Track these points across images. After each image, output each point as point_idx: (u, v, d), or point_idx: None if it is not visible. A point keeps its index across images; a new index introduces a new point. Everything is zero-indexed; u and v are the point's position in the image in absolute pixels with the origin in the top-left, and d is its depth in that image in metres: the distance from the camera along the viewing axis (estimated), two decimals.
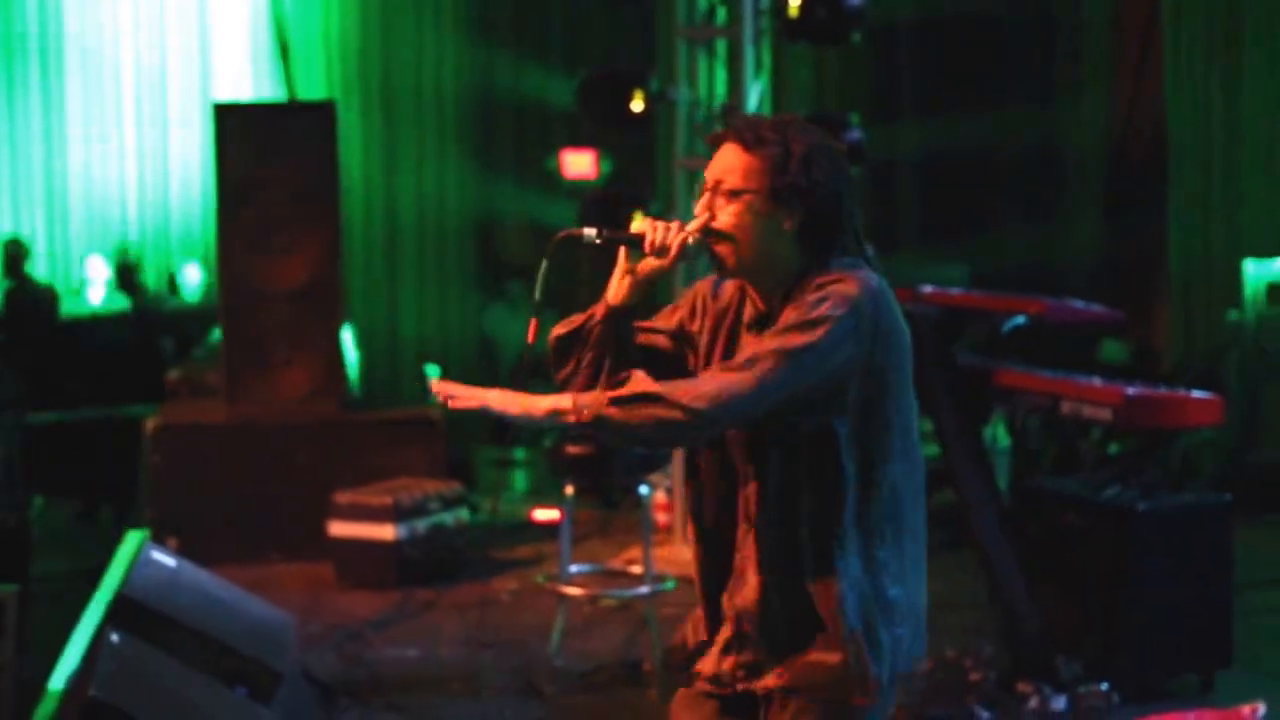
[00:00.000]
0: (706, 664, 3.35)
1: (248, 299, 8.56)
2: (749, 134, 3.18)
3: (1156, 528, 6.07)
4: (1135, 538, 6.04)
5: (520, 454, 10.01)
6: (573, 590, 6.89)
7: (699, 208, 3.24)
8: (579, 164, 8.90)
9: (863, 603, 3.20)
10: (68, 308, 10.65)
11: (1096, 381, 5.91)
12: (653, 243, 3.21)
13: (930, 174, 10.58)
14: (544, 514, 8.96)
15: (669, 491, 8.44)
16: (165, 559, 6.18)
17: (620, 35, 10.23)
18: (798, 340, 3.06)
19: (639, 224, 3.25)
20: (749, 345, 3.18)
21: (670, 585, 6.70)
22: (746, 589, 3.26)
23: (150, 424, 8.45)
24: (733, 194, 3.19)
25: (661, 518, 8.36)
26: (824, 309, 3.08)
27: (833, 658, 3.20)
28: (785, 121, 3.24)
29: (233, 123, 8.53)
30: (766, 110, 8.32)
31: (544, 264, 3.26)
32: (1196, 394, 5.94)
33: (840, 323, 3.08)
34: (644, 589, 6.65)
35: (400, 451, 8.55)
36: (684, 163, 8.44)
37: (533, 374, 3.71)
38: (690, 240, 3.19)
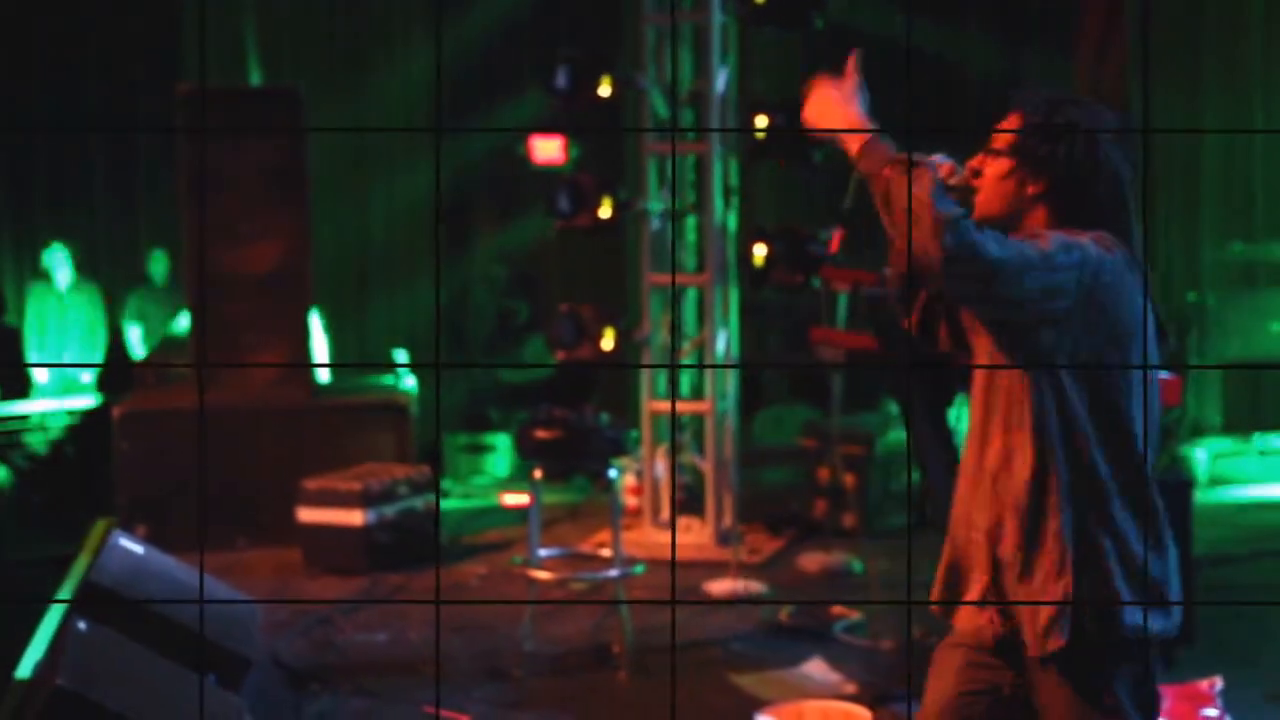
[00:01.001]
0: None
1: (217, 285, 8.55)
2: (1022, 99, 3.43)
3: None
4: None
5: (491, 440, 10.03)
6: (542, 574, 6.90)
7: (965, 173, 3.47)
8: (547, 149, 8.88)
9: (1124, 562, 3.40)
10: None
11: None
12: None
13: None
14: (513, 499, 8.98)
15: (639, 475, 8.46)
16: (132, 545, 6.17)
17: (588, 21, 10.20)
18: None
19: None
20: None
21: (639, 569, 6.72)
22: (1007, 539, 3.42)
23: (117, 411, 8.44)
24: (997, 152, 3.44)
25: (631, 501, 8.38)
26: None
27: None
28: (1061, 96, 3.46)
29: (198, 110, 8.52)
30: (733, 95, 8.32)
31: (853, 181, 3.48)
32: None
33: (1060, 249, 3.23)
34: (613, 572, 6.66)
35: (369, 437, 8.56)
36: (653, 148, 8.43)
37: None
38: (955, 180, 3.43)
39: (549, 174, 8.70)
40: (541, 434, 6.68)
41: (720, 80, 8.23)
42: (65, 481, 9.50)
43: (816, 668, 6.19)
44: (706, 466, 8.19)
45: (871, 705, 5.63)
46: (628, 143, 9.23)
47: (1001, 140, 3.44)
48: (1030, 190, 3.40)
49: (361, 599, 7.38)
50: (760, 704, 5.64)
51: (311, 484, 7.97)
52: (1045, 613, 3.32)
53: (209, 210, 8.53)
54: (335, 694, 6.12)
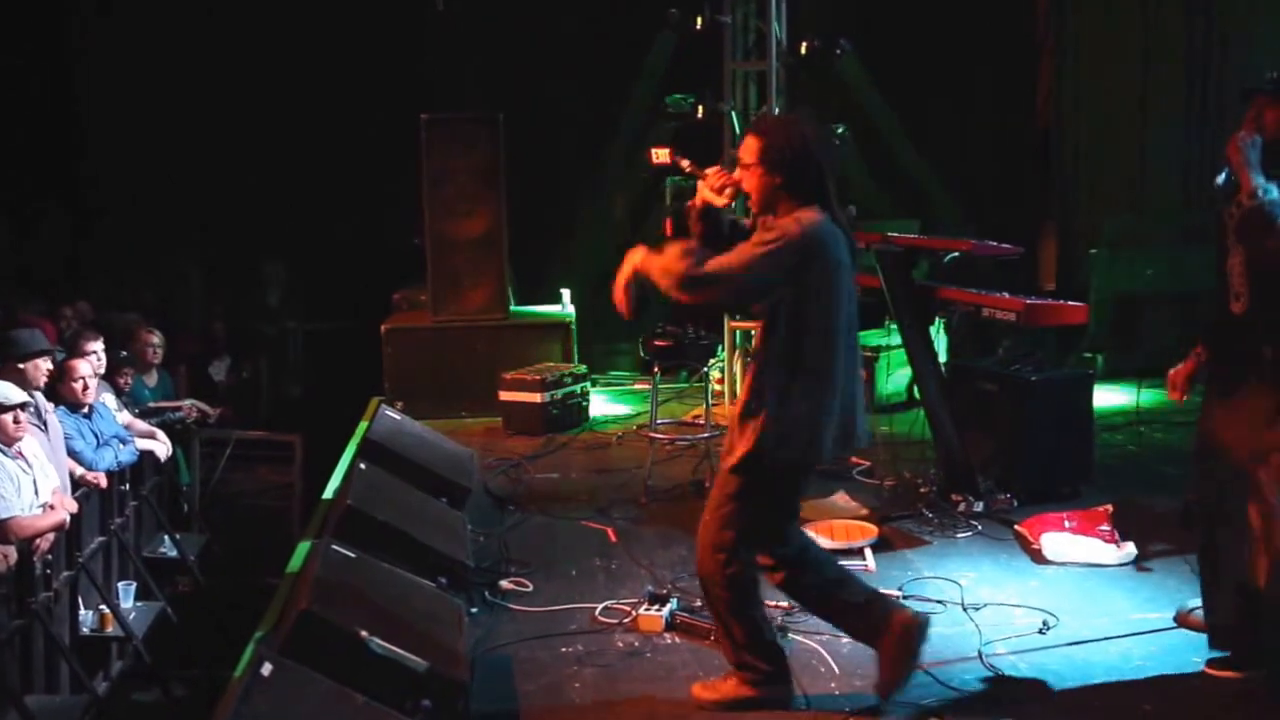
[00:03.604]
0: None
1: (445, 246, 8.58)
2: (753, 123, 3.73)
3: (1044, 392, 6.02)
4: (1030, 398, 6.00)
5: (625, 346, 9.96)
6: (658, 435, 6.92)
7: (736, 173, 3.70)
8: (660, 155, 8.81)
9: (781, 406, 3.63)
10: None
11: (1005, 294, 5.83)
12: (713, 185, 3.73)
13: (898, 162, 10.38)
14: (640, 385, 8.97)
15: (722, 370, 8.42)
16: (393, 415, 6.26)
17: (692, 69, 9.99)
18: (749, 252, 3.55)
19: (713, 169, 3.76)
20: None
21: (723, 431, 6.70)
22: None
23: (383, 327, 8.52)
24: (746, 165, 3.65)
25: (717, 388, 8.34)
26: (769, 237, 3.54)
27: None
28: (781, 118, 3.51)
29: (436, 128, 8.53)
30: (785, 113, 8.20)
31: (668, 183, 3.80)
32: (1071, 303, 5.84)
33: (773, 247, 3.53)
34: (705, 434, 6.67)
35: (544, 344, 8.59)
36: (732, 153, 8.32)
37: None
38: (729, 188, 3.70)
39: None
40: (659, 343, 6.68)
41: (775, 107, 8.09)
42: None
43: (841, 498, 6.16)
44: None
45: (878, 523, 5.63)
46: (718, 149, 9.08)
47: (747, 154, 3.63)
48: (777, 181, 3.59)
49: (540, 451, 7.44)
50: (803, 521, 5.63)
51: (507, 375, 8.01)
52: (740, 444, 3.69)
53: (440, 195, 8.54)
54: (524, 512, 6.19)
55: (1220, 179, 3.86)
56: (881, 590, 4.84)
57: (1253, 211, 3.57)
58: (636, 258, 3.65)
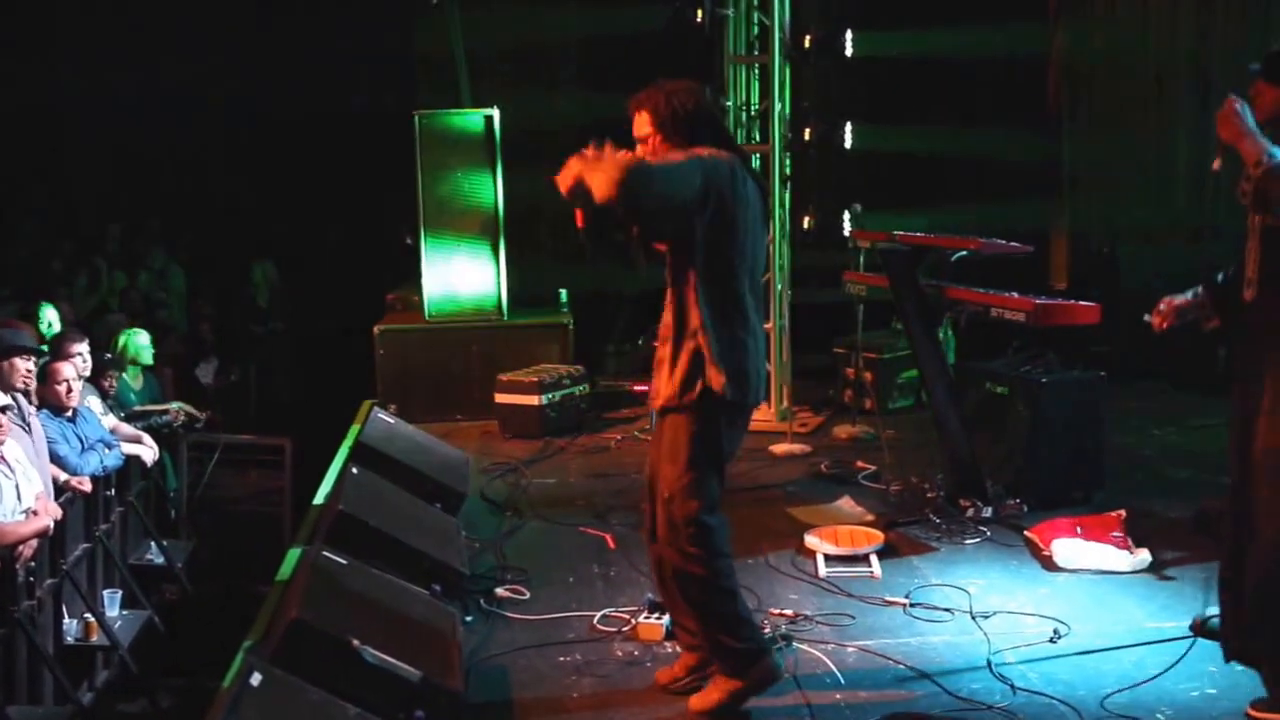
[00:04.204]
0: None
1: (440, 245, 8.56)
2: (635, 101, 3.79)
3: (1054, 394, 6.01)
4: (1039, 401, 5.99)
5: (624, 345, 9.95)
6: None
7: (638, 151, 3.75)
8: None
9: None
10: None
11: (1015, 294, 5.82)
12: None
13: (901, 157, 10.38)
14: (640, 386, 8.96)
15: None
16: (387, 418, 6.25)
17: (689, 61, 10.00)
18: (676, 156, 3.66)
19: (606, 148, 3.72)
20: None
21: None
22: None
23: (376, 329, 8.52)
24: (645, 138, 3.77)
25: None
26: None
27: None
28: (651, 86, 3.83)
29: (429, 125, 8.51)
30: (788, 110, 8.18)
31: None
32: (1083, 302, 5.83)
33: (694, 155, 3.64)
34: None
35: (542, 345, 8.57)
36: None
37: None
38: None
39: None
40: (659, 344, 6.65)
41: (777, 101, 8.09)
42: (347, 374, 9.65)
43: (846, 503, 6.16)
44: (770, 366, 8.14)
45: (884, 529, 5.62)
46: None
47: (641, 127, 3.76)
48: (679, 142, 3.71)
49: (537, 456, 7.43)
50: (808, 527, 5.64)
51: (504, 377, 8.00)
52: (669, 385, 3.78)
53: (434, 193, 8.52)
54: (521, 518, 6.18)
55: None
56: (888, 598, 4.86)
57: (1266, 177, 3.45)
58: (576, 164, 3.60)
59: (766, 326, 8.08)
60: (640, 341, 7.00)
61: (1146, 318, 4.04)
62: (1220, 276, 3.90)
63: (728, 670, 3.89)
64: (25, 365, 6.02)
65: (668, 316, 3.85)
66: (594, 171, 3.50)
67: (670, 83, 3.82)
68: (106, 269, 11.01)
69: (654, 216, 3.68)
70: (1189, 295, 3.95)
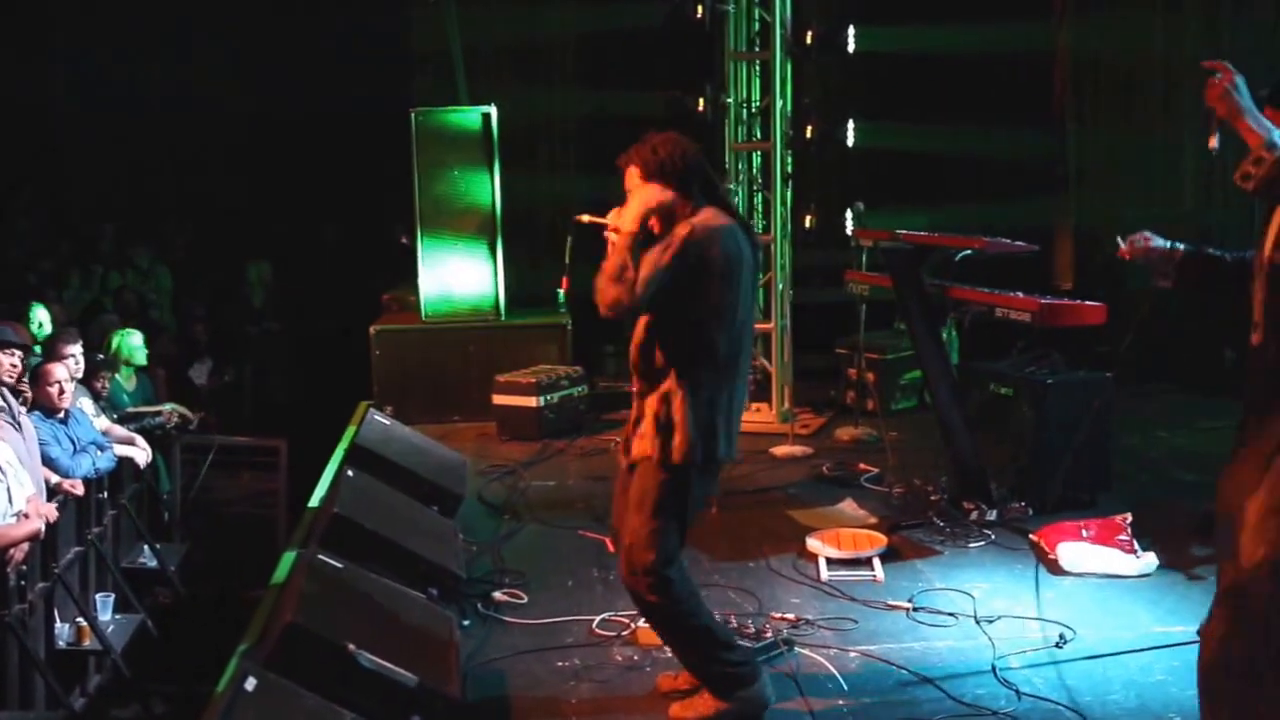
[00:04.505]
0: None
1: (436, 245, 8.55)
2: (623, 158, 3.85)
3: (1059, 395, 6.01)
4: (1045, 402, 5.98)
5: (622, 348, 9.94)
6: None
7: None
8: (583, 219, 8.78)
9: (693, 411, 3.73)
10: None
11: (1020, 294, 5.82)
12: (613, 226, 3.75)
13: (905, 155, 10.39)
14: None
15: None
16: (383, 419, 6.25)
17: (689, 58, 9.99)
18: (656, 260, 3.67)
19: (612, 212, 3.80)
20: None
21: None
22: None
23: (372, 329, 8.51)
24: (633, 192, 3.81)
25: None
26: (669, 252, 3.67)
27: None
28: (639, 143, 3.88)
29: (426, 123, 8.51)
30: (789, 107, 8.18)
31: (569, 239, 4.04)
32: (1088, 303, 5.83)
33: (671, 257, 3.67)
34: None
35: (540, 346, 8.57)
36: (735, 146, 8.34)
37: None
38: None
39: None
40: None
41: (779, 98, 8.10)
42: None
43: (848, 505, 6.16)
44: (772, 367, 8.14)
45: (887, 532, 5.62)
46: (719, 143, 9.07)
47: (631, 181, 3.82)
48: (671, 194, 3.76)
49: (536, 458, 7.43)
50: (809, 530, 5.64)
51: (502, 378, 8.00)
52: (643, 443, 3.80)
53: (431, 192, 8.51)
54: (519, 521, 6.18)
55: (1230, 256, 3.72)
56: (891, 602, 4.86)
57: (1275, 169, 3.22)
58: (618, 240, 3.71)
59: (768, 327, 8.09)
60: None
61: (1120, 240, 3.85)
62: (1211, 249, 3.80)
63: (713, 690, 3.90)
64: (9, 360, 6.01)
65: (636, 353, 3.85)
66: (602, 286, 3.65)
67: (655, 135, 3.88)
68: (101, 269, 11.01)
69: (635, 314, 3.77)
70: (1168, 244, 3.80)
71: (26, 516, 5.41)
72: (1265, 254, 3.42)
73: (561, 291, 4.00)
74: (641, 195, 3.79)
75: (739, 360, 3.82)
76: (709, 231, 3.72)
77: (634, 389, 3.92)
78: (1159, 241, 3.78)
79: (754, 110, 8.39)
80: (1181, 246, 3.78)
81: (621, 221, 3.75)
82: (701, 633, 3.88)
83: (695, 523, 3.94)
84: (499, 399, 7.94)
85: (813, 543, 5.40)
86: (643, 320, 3.84)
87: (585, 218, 3.95)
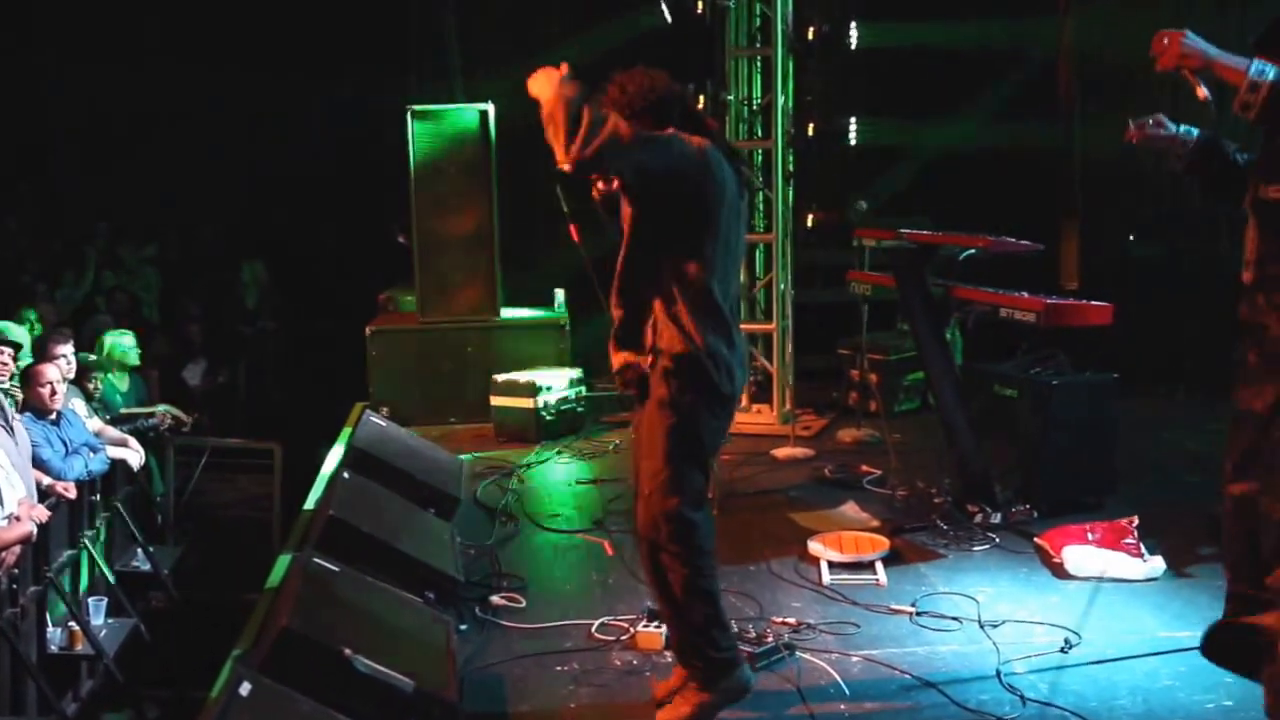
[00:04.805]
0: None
1: (433, 244, 8.56)
2: (601, 104, 3.66)
3: (1065, 397, 6.01)
4: (1050, 404, 5.98)
5: None
6: None
7: None
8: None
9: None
10: None
11: (1025, 294, 5.82)
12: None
13: (907, 153, 10.38)
14: None
15: None
16: (379, 421, 6.24)
17: (689, 54, 10.00)
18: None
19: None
20: None
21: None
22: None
23: (368, 329, 8.51)
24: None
25: None
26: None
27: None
28: (610, 80, 3.82)
29: (423, 120, 8.50)
30: (791, 104, 8.17)
31: (558, 189, 4.04)
32: (1095, 303, 5.83)
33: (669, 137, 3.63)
34: None
35: (538, 346, 8.57)
36: (735, 144, 8.30)
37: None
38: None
39: None
40: None
41: (780, 96, 8.10)
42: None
43: (851, 508, 6.16)
44: (773, 368, 8.14)
45: (889, 535, 5.62)
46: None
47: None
48: (648, 122, 3.68)
49: (534, 459, 7.42)
50: (811, 534, 5.64)
51: (499, 378, 8.00)
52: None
53: (427, 190, 8.51)
54: (515, 523, 6.17)
55: (1242, 158, 3.75)
56: (894, 606, 4.86)
57: (1275, 92, 3.30)
58: (549, 98, 3.56)
59: (770, 327, 8.09)
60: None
61: (1132, 123, 3.81)
62: (1226, 146, 3.77)
63: (698, 680, 3.88)
64: None
65: (618, 306, 3.83)
66: (560, 133, 3.49)
67: (621, 73, 3.81)
68: (94, 269, 11.01)
69: (610, 173, 3.67)
70: (1181, 131, 3.76)
71: (18, 519, 5.41)
72: (1259, 190, 3.45)
73: (574, 237, 3.90)
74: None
75: (730, 303, 3.76)
76: (700, 147, 3.65)
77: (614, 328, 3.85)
78: (1172, 127, 3.72)
79: (755, 108, 8.39)
80: (1196, 133, 3.71)
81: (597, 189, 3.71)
82: (707, 600, 3.82)
83: (711, 463, 3.89)
84: (496, 400, 7.94)
85: (814, 546, 5.41)
86: (629, 254, 3.79)
87: (566, 168, 3.84)
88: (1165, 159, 3.77)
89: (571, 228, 3.95)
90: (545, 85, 3.54)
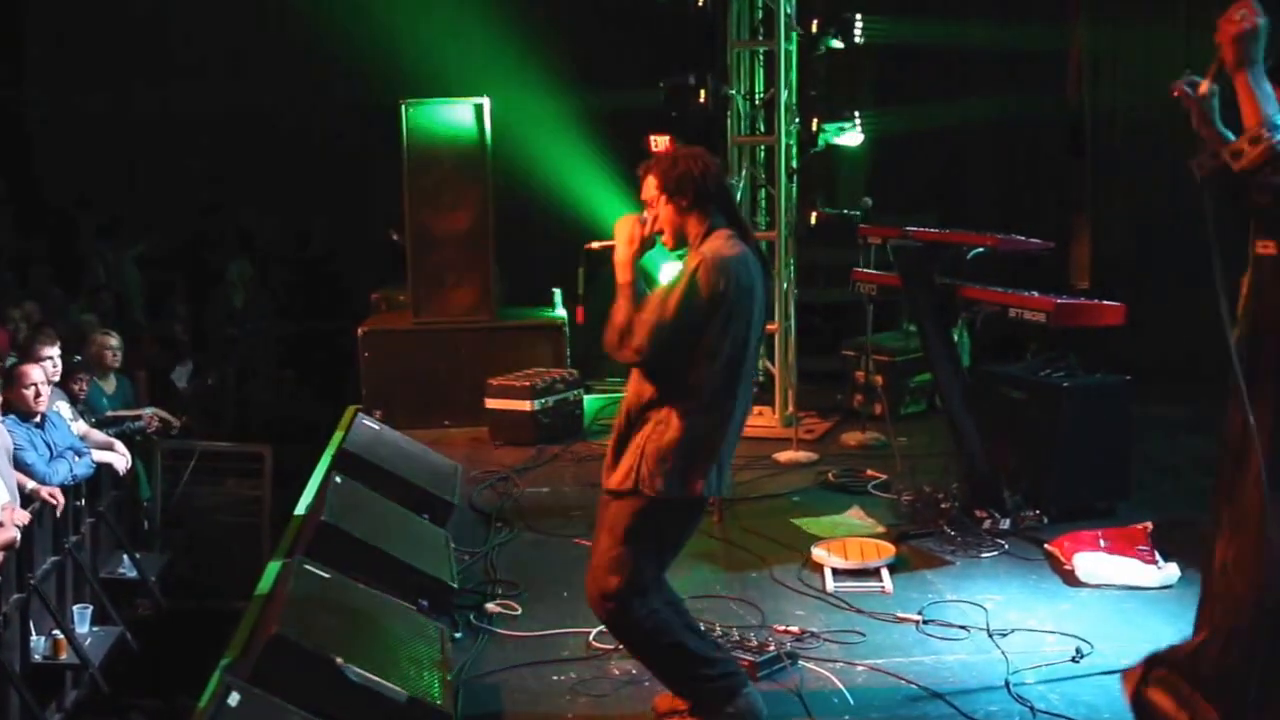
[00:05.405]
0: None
1: (427, 242, 8.56)
2: (643, 167, 3.85)
3: (1076, 399, 6.01)
4: (1061, 407, 5.99)
5: None
6: None
7: (645, 214, 3.85)
8: (661, 143, 8.79)
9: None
10: None
11: (1035, 293, 5.83)
12: (622, 237, 3.81)
13: (915, 149, 10.39)
14: None
15: None
16: (372, 424, 6.24)
17: (694, 48, 10.00)
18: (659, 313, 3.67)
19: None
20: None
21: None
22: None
23: (360, 330, 8.51)
24: (651, 202, 3.83)
25: None
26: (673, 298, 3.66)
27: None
28: (666, 150, 4.03)
29: (414, 113, 8.51)
30: (794, 99, 8.17)
31: (580, 270, 4.22)
32: (1107, 302, 5.83)
33: (676, 306, 3.66)
34: None
35: (534, 348, 8.56)
36: (737, 140, 8.33)
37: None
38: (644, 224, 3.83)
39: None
40: None
41: (785, 90, 8.09)
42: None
43: (856, 514, 6.16)
44: (775, 369, 8.14)
45: (896, 541, 5.62)
46: (721, 137, 9.08)
47: (648, 191, 3.81)
48: (683, 204, 3.76)
49: (530, 464, 7.43)
50: (815, 539, 5.64)
51: (495, 381, 7.99)
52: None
53: (421, 186, 8.51)
54: (512, 529, 6.17)
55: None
56: (900, 614, 4.86)
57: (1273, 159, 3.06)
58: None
59: (771, 327, 8.09)
60: None
61: (1186, 80, 3.39)
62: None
63: (702, 711, 3.90)
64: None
65: (632, 387, 3.85)
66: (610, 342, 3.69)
67: (682, 148, 3.92)
68: (118, 268, 11.05)
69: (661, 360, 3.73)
70: (1220, 127, 3.36)
71: (0, 525, 5.41)
72: (1252, 244, 3.36)
73: (578, 321, 4.06)
74: (621, 235, 3.80)
75: (734, 393, 3.76)
76: (719, 262, 3.69)
77: (619, 417, 3.88)
78: (1215, 111, 3.38)
79: (758, 102, 8.39)
80: (1233, 138, 3.33)
81: (616, 270, 3.78)
82: (674, 651, 3.86)
83: (670, 558, 3.92)
84: (492, 403, 7.93)
85: (818, 552, 5.41)
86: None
87: (595, 245, 4.03)
88: (1196, 149, 3.54)
89: (579, 310, 4.06)
90: (622, 235, 3.79)
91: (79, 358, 7.58)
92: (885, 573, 5.26)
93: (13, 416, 6.25)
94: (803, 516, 6.17)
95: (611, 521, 3.82)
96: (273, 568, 5.05)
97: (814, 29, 8.00)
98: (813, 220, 8.11)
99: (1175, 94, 3.43)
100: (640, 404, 3.78)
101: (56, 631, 5.90)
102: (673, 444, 3.70)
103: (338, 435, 6.71)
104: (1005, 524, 5.83)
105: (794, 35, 8.06)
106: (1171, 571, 5.17)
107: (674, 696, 4.07)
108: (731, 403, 3.77)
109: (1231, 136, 3.27)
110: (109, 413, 7.69)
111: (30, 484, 6.04)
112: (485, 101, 8.56)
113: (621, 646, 4.05)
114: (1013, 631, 4.71)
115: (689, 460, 3.72)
